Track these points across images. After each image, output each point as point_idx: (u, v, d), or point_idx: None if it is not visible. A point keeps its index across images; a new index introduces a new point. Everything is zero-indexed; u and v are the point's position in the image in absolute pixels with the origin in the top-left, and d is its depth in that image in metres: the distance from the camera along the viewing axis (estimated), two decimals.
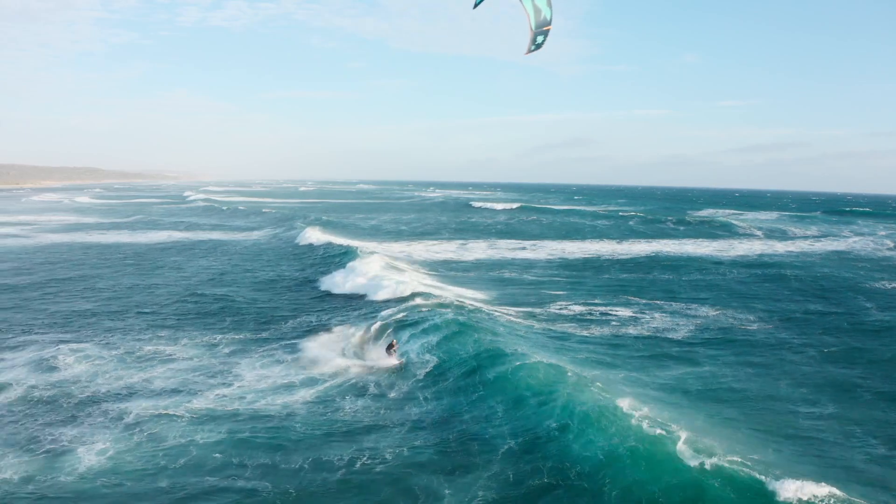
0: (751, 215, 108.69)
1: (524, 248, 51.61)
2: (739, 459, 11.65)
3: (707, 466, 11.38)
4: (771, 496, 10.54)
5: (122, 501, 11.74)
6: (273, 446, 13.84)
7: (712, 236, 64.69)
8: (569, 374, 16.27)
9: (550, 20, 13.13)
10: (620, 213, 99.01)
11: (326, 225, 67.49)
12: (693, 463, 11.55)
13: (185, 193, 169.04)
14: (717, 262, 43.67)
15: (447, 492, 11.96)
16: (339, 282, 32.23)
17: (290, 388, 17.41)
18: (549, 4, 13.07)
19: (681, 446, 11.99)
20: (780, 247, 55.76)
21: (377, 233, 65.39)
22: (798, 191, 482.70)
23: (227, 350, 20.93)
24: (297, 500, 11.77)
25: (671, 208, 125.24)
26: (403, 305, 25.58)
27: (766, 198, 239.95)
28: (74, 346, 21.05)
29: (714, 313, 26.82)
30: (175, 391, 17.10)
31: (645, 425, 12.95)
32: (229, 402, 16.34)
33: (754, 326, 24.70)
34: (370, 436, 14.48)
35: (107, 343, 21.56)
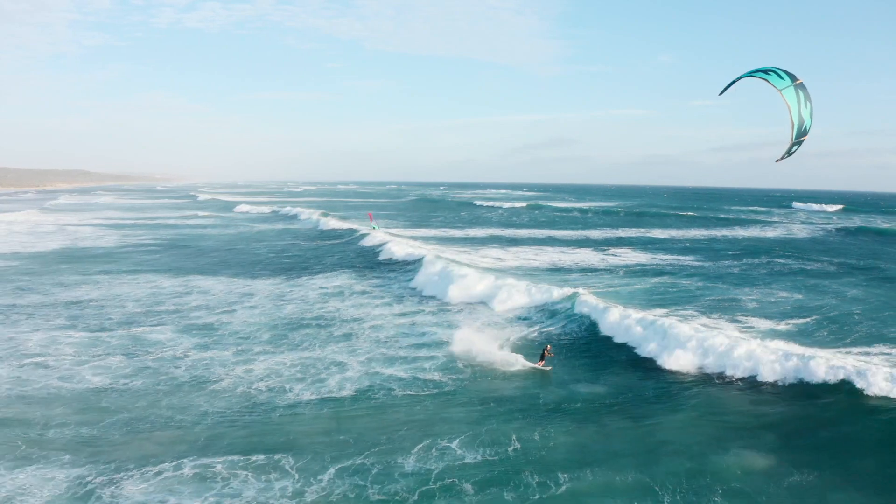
0: (763, 208, 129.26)
1: (647, 234, 68.12)
2: None
3: None
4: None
5: None
6: None
7: (770, 224, 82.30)
8: None
9: (808, 130, 14.36)
10: (661, 212, 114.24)
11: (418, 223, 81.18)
12: None
13: (192, 194, 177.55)
14: (801, 239, 61.43)
15: None
16: None
17: None
18: (811, 114, 14.18)
19: None
20: (831, 227, 74.36)
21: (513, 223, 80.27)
22: (785, 189, 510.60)
23: None
24: None
25: (687, 206, 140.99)
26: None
27: (765, 195, 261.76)
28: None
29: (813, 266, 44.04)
30: None
31: None
32: None
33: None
34: None
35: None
